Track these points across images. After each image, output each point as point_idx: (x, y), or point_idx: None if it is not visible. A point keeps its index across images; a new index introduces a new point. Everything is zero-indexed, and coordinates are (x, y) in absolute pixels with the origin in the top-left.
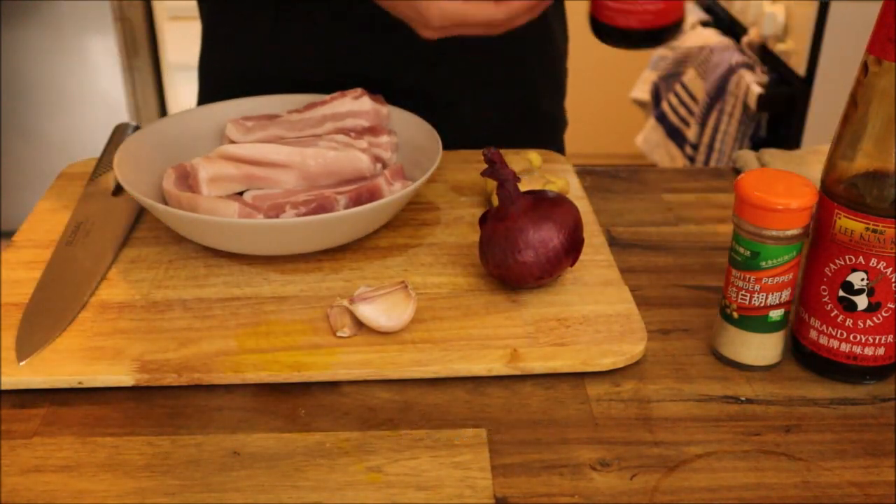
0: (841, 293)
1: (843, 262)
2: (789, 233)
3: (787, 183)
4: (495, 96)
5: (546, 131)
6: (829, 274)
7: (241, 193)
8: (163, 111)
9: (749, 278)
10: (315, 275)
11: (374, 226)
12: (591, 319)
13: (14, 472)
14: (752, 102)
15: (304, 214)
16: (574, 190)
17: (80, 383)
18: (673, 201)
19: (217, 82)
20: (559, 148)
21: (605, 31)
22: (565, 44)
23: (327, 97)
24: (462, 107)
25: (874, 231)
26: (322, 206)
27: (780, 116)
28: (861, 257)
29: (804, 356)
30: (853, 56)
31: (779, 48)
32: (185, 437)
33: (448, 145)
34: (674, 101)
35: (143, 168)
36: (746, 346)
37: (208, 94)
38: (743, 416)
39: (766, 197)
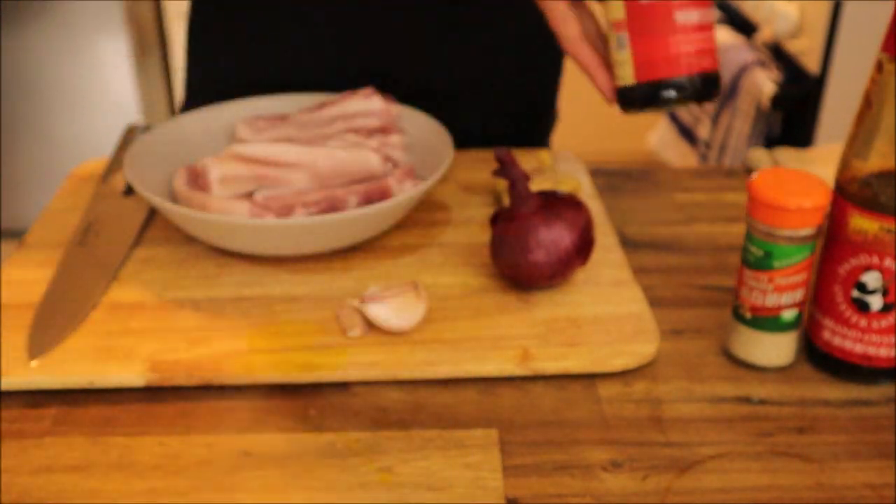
0: (855, 293)
1: (856, 262)
2: (802, 232)
3: (801, 182)
4: (502, 93)
5: (546, 128)
6: (843, 274)
7: (251, 193)
8: (173, 111)
9: (762, 278)
10: (326, 275)
11: (385, 226)
12: (602, 320)
13: (25, 471)
14: (765, 101)
15: (315, 214)
16: (586, 189)
17: (91, 383)
18: (685, 201)
19: (206, 84)
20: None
21: (648, 91)
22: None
23: (337, 96)
24: (468, 104)
25: (889, 231)
26: (332, 206)
27: (793, 115)
28: (875, 257)
29: (817, 357)
30: (867, 54)
31: (792, 46)
32: (195, 437)
33: (457, 144)
34: None
35: (154, 168)
36: (759, 346)
37: (197, 96)
38: (755, 417)
39: (779, 196)
